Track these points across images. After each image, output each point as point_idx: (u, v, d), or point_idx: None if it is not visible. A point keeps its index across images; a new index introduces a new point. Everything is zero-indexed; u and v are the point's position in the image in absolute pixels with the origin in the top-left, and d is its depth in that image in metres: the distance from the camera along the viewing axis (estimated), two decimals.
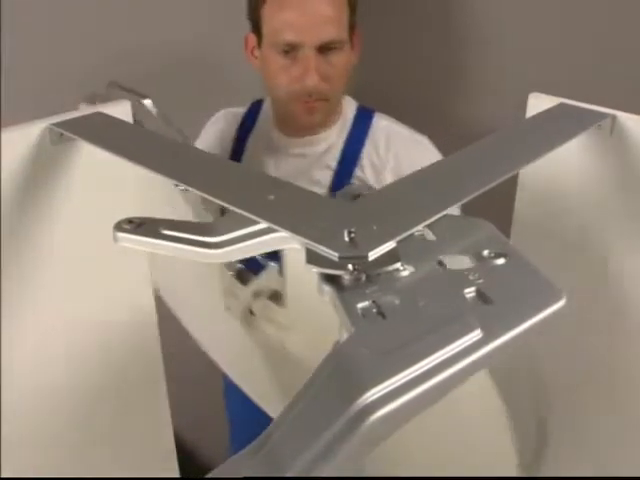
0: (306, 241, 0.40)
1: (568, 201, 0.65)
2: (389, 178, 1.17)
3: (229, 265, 0.80)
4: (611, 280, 0.62)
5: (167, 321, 0.85)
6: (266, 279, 0.83)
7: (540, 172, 0.63)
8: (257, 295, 0.83)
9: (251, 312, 0.84)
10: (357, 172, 1.18)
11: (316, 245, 0.39)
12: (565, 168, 0.63)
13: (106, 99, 0.68)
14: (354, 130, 1.21)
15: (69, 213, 0.64)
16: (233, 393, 1.40)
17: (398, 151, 1.17)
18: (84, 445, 0.74)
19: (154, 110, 0.71)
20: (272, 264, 0.81)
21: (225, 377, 1.40)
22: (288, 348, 0.82)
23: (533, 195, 0.67)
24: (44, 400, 0.68)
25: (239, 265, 0.81)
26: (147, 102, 0.70)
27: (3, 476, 0.64)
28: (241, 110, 1.31)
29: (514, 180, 0.67)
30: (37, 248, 0.63)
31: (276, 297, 0.84)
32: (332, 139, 1.21)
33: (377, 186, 1.14)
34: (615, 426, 0.65)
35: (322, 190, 1.18)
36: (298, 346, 0.80)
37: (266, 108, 1.28)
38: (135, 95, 0.70)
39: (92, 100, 0.69)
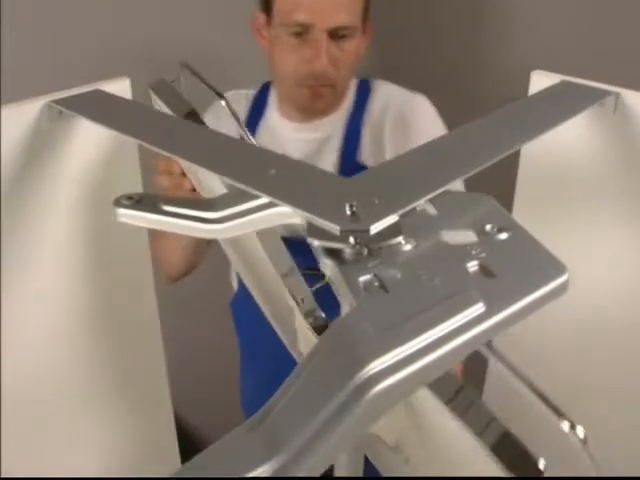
0: (307, 215, 0.39)
1: (570, 178, 0.65)
2: (387, 136, 1.15)
3: (308, 312, 0.65)
4: (612, 256, 0.62)
5: (168, 309, 0.85)
6: None
7: (542, 149, 0.63)
8: None
9: None
10: (360, 150, 1.16)
11: (317, 219, 0.39)
12: (567, 145, 0.62)
13: (174, 86, 0.65)
14: (354, 108, 1.19)
15: (68, 190, 0.64)
16: (248, 376, 1.38)
17: (395, 107, 1.16)
18: (86, 429, 0.75)
19: (225, 105, 0.67)
20: None
21: (241, 356, 1.38)
22: None
23: (535, 171, 0.67)
24: (43, 388, 0.68)
25: (321, 314, 0.66)
26: (222, 104, 0.67)
27: (3, 476, 0.64)
28: (251, 92, 1.27)
29: (516, 156, 0.67)
30: (36, 225, 0.62)
31: None
32: (336, 121, 1.19)
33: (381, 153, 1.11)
34: None
35: None
36: None
37: (273, 92, 1.25)
38: (205, 83, 0.66)
39: (159, 87, 0.66)
